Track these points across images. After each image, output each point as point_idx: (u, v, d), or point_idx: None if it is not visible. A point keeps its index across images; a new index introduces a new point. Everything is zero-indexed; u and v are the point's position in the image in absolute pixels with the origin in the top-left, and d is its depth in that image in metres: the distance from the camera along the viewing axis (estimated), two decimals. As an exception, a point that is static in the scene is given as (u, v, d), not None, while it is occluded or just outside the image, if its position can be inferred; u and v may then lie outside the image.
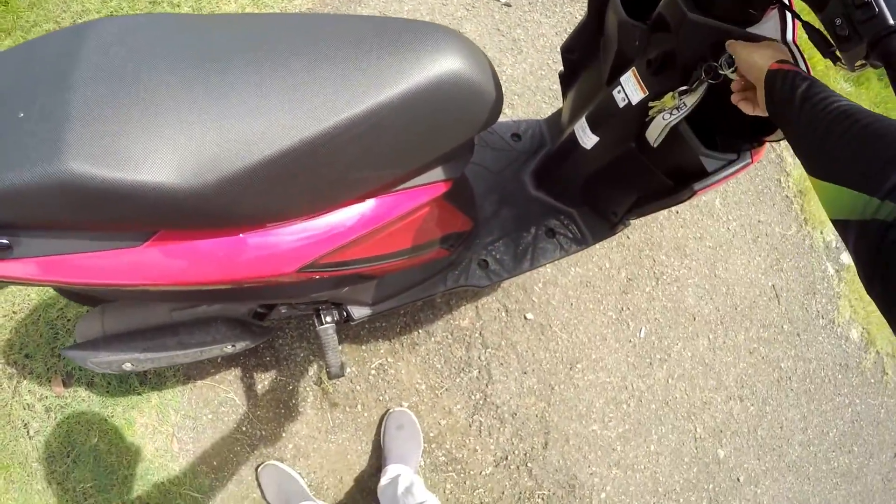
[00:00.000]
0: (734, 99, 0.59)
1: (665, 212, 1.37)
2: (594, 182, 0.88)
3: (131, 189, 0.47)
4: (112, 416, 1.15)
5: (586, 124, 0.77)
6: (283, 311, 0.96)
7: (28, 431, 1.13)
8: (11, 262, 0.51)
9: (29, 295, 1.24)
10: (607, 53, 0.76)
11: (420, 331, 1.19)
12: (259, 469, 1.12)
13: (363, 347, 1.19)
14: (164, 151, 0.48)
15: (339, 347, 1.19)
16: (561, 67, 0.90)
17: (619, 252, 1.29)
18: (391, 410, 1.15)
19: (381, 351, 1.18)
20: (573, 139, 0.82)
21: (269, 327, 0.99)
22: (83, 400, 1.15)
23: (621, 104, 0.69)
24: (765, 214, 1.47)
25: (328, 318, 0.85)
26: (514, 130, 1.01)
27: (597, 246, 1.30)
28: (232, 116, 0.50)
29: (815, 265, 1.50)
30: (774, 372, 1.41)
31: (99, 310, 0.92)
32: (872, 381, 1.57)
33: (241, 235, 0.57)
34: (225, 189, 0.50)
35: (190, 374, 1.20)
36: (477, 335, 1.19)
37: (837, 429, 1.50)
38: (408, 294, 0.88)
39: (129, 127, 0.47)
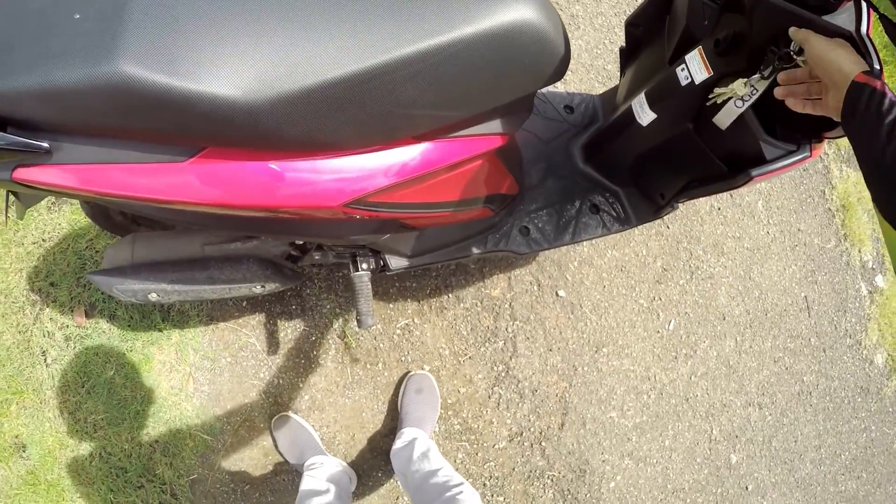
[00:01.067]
0: (779, 93, 0.58)
1: (706, 206, 1.37)
2: (645, 161, 0.88)
3: (185, 98, 0.46)
4: (131, 351, 1.16)
5: (645, 100, 0.78)
6: (317, 256, 0.96)
7: (45, 359, 1.14)
8: (49, 168, 0.50)
9: (59, 224, 1.24)
10: (673, 30, 0.76)
11: (450, 295, 1.19)
12: (274, 419, 1.13)
13: (391, 306, 1.20)
14: (223, 63, 0.47)
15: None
16: (621, 44, 0.90)
17: (658, 241, 1.30)
18: (412, 373, 1.15)
19: (409, 311, 1.19)
20: (629, 115, 0.82)
21: (300, 272, 0.99)
22: (103, 332, 1.17)
23: (684, 82, 0.70)
24: (805, 224, 1.47)
25: (364, 266, 0.85)
26: (568, 102, 1.02)
27: (636, 231, 1.30)
28: (296, 35, 0.49)
29: (850, 283, 1.50)
30: (796, 384, 1.41)
31: (130, 238, 0.92)
32: (891, 409, 1.57)
33: (290, 161, 0.56)
34: (281, 109, 0.49)
35: (213, 315, 1.21)
36: (507, 306, 1.19)
37: (850, 452, 1.50)
38: (447, 251, 0.88)
39: (187, 36, 0.47)
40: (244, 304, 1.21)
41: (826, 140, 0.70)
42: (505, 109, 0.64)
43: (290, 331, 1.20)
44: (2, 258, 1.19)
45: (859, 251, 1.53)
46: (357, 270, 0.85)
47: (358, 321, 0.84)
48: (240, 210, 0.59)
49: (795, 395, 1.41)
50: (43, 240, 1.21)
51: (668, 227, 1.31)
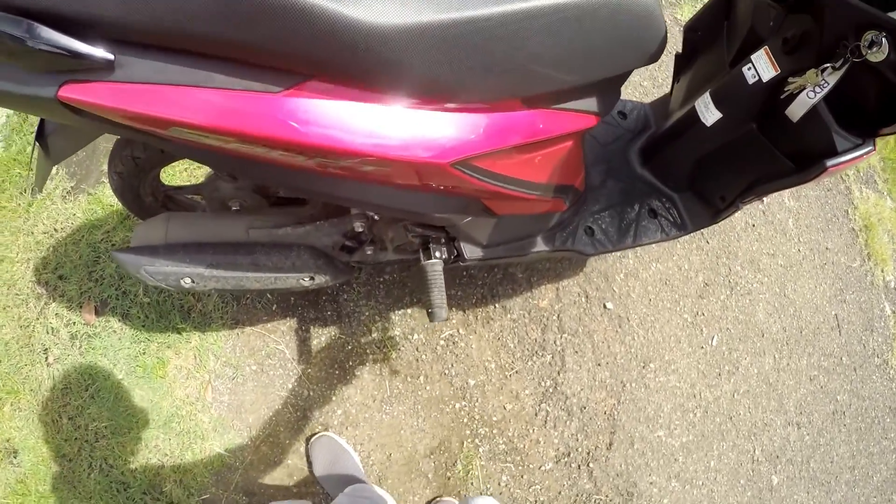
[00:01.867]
0: None
1: (742, 223, 1.35)
2: (705, 164, 0.88)
3: (305, 11, 0.39)
4: (143, 353, 1.05)
5: (710, 100, 0.78)
6: (369, 252, 0.89)
7: (47, 357, 1.04)
8: (107, 86, 0.41)
9: (74, 214, 1.15)
10: (734, 34, 0.78)
11: (497, 305, 1.13)
12: (312, 439, 1.01)
13: (433, 315, 1.12)
14: None
15: (410, 312, 1.12)
16: (677, 50, 0.91)
17: (698, 255, 1.27)
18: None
19: (454, 321, 1.11)
20: (690, 117, 0.82)
21: (352, 267, 0.92)
22: (114, 331, 1.06)
23: (751, 81, 0.71)
24: (832, 242, 1.46)
25: (437, 254, 0.78)
26: (620, 108, 1.03)
27: (678, 245, 1.27)
28: None
29: (875, 302, 1.50)
30: (831, 404, 1.38)
31: (164, 216, 0.83)
32: (914, 429, 1.55)
33: (402, 107, 0.50)
34: (410, 41, 0.43)
35: (238, 318, 1.11)
36: (555, 318, 1.13)
37: (881, 474, 1.46)
38: (518, 244, 0.84)
39: None
40: (274, 307, 1.12)
41: (881, 136, 0.71)
42: (604, 85, 0.63)
43: (323, 338, 1.10)
44: (8, 247, 1.09)
45: (882, 271, 1.53)
46: (430, 258, 0.78)
47: (429, 314, 0.76)
48: (334, 158, 0.50)
49: (830, 414, 1.37)
50: (55, 230, 1.12)
51: (707, 242, 1.29)
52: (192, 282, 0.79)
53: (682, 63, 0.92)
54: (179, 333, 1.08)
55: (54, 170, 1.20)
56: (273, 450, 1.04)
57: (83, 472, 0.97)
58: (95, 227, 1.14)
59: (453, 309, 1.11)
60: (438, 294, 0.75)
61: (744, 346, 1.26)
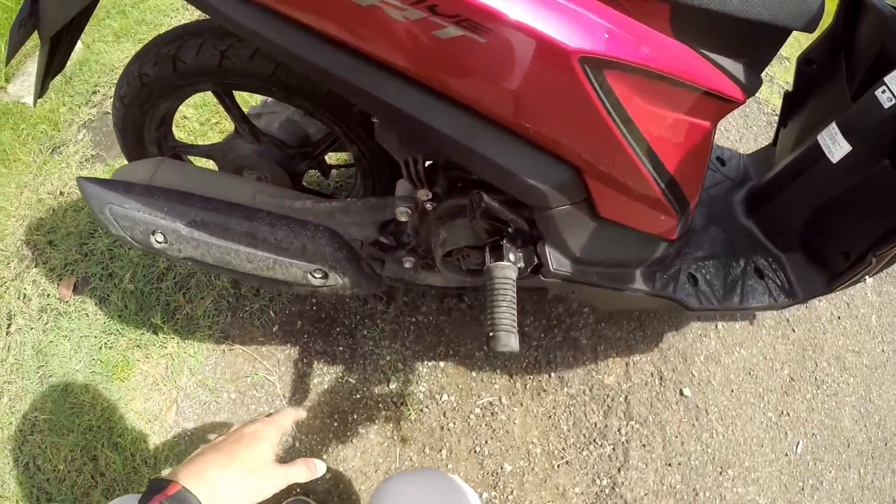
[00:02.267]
0: None
1: (827, 314, 1.16)
2: (824, 215, 0.75)
3: None
4: (110, 347, 0.88)
5: (837, 131, 0.67)
6: (408, 265, 0.68)
7: (9, 325, 0.91)
8: None
9: None
10: (856, 60, 0.70)
11: (552, 374, 0.90)
12: (286, 502, 0.78)
13: (473, 375, 0.89)
14: None
15: (443, 366, 0.89)
16: (786, 88, 0.82)
17: (784, 344, 1.06)
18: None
19: (496, 386, 0.88)
20: (808, 156, 0.72)
21: (381, 280, 0.70)
22: (86, 314, 0.91)
23: (887, 104, 0.63)
24: (915, 345, 1.27)
25: (511, 257, 0.57)
26: (718, 154, 0.90)
27: (763, 330, 1.07)
28: None
29: (956, 418, 1.29)
30: (912, 537, 1.15)
31: (158, 158, 0.67)
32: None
33: None
34: None
35: (230, 333, 0.90)
36: (621, 399, 0.90)
37: None
38: (615, 273, 0.67)
39: None
40: (275, 328, 0.91)
41: None
42: (754, 45, 0.54)
43: (327, 379, 0.88)
44: (10, 199, 1.02)
45: (964, 383, 1.34)
46: (501, 259, 0.56)
47: (491, 339, 0.50)
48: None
49: (910, 550, 1.14)
50: (60, 192, 1.02)
51: (793, 331, 1.09)
52: (165, 240, 0.60)
53: (792, 102, 0.81)
54: (156, 334, 0.88)
55: (80, 134, 1.12)
56: None
57: (6, 465, 0.81)
58: (102, 199, 0.98)
59: (496, 371, 0.89)
60: (508, 311, 0.51)
61: (829, 456, 1.03)
